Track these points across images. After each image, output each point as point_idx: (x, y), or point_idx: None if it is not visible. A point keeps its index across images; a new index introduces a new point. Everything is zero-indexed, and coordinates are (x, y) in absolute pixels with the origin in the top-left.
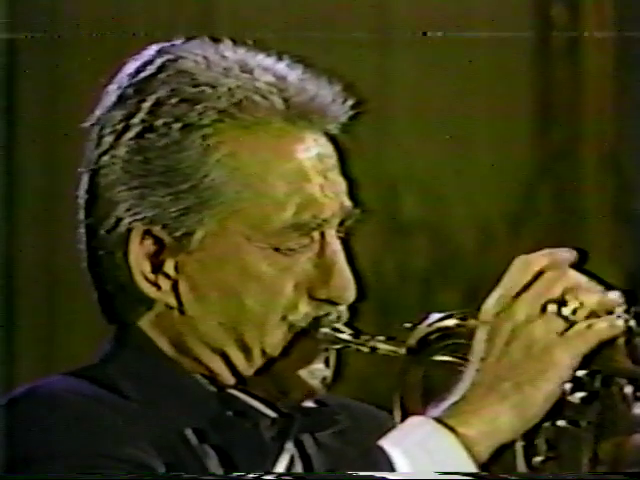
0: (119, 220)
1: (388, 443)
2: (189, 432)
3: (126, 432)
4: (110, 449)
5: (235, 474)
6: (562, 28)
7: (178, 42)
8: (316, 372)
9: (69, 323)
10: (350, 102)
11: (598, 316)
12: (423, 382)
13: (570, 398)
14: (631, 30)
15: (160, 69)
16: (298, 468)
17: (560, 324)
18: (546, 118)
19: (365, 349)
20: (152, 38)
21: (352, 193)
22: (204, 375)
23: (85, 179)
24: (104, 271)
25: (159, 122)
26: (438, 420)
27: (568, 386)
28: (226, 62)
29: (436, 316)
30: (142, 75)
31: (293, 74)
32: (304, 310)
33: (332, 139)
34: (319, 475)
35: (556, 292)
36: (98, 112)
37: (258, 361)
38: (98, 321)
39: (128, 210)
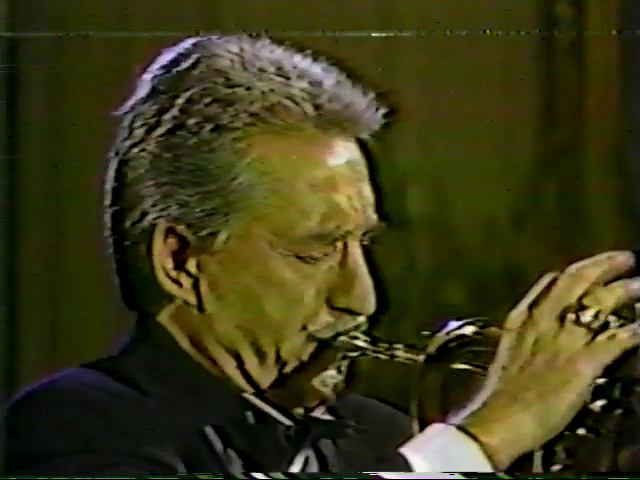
0: (144, 214)
1: (409, 450)
2: (210, 432)
3: (146, 430)
4: (129, 446)
5: (245, 474)
6: (567, 25)
7: (214, 37)
8: (328, 379)
9: (72, 321)
10: (383, 111)
11: (621, 318)
12: (441, 390)
13: (591, 406)
14: (636, 27)
15: (194, 65)
16: (314, 469)
17: (584, 335)
18: (550, 115)
19: (383, 357)
20: (155, 36)
21: (379, 205)
22: (219, 377)
23: (113, 166)
24: (127, 260)
25: (191, 121)
26: (459, 428)
27: (589, 395)
28: (261, 62)
29: (455, 324)
30: (176, 69)
31: (328, 80)
32: (324, 319)
33: (362, 144)
34: (330, 475)
35: (572, 297)
36: (131, 101)
37: (272, 367)
38: (101, 320)
39: (154, 206)
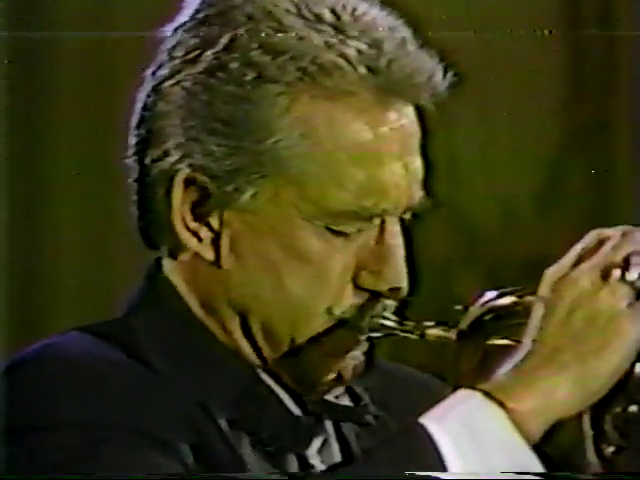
0: (166, 154)
1: (430, 419)
2: (217, 408)
3: (147, 404)
4: (127, 421)
5: (250, 473)
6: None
7: None
8: (348, 360)
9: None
10: (449, 77)
11: None
12: (478, 369)
13: None
14: None
15: (246, 1)
16: (334, 448)
17: (627, 292)
18: (575, 95)
19: (413, 336)
20: (145, 34)
21: (427, 179)
22: (229, 345)
23: (145, 89)
24: (146, 198)
25: (233, 65)
26: (487, 393)
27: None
28: (319, 7)
29: (490, 294)
30: (228, 2)
31: (391, 42)
32: (349, 301)
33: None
34: (330, 475)
35: (619, 256)
36: (175, 24)
37: (283, 347)
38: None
39: (177, 147)
